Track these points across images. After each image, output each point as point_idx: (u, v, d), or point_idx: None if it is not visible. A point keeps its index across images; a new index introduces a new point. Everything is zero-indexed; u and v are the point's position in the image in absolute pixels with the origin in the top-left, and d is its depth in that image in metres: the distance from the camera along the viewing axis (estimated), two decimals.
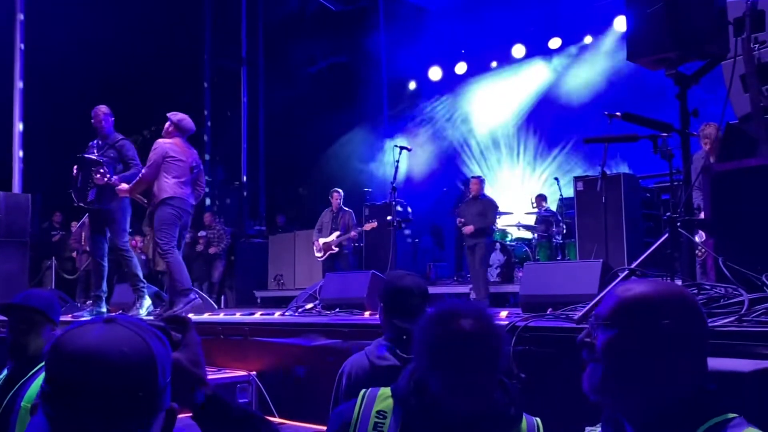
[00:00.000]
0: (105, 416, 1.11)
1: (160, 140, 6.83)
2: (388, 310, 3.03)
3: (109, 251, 7.37)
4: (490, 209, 9.75)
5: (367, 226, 10.43)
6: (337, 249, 10.50)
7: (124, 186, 6.89)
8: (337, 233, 10.46)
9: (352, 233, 10.41)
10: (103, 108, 7.40)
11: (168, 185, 6.67)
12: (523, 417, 1.88)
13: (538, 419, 1.91)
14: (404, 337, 2.93)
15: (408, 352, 2.82)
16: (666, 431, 1.36)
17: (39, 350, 2.73)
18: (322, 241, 10.57)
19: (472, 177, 10.34)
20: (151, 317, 6.46)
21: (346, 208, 10.75)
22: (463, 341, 1.76)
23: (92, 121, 7.35)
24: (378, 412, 1.91)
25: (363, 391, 1.99)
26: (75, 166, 7.19)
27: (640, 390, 1.39)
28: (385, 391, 1.95)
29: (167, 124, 6.94)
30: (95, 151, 7.23)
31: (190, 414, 1.48)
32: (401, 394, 1.91)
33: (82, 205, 7.22)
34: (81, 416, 1.10)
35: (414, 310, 2.97)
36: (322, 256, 10.57)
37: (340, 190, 10.90)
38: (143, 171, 6.78)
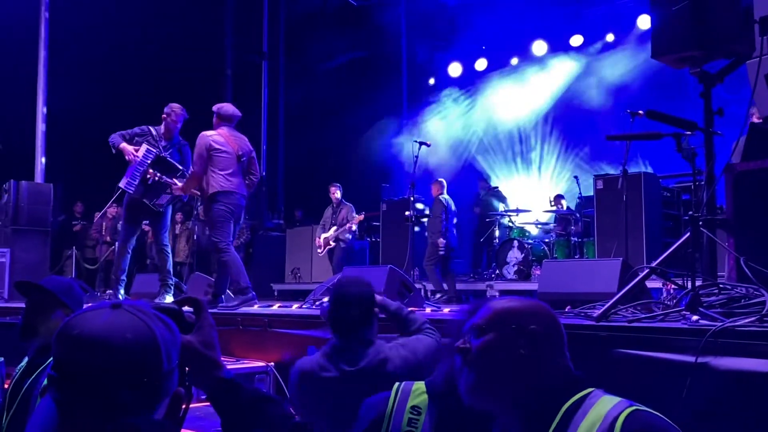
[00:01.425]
0: (109, 400, 1.13)
1: (203, 132, 6.59)
2: (331, 320, 2.97)
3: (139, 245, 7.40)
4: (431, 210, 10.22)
5: (354, 221, 10.52)
6: (334, 243, 10.64)
7: (178, 184, 6.88)
8: (335, 228, 10.61)
9: (347, 225, 10.50)
10: (178, 107, 7.19)
11: (214, 179, 6.46)
12: None
13: None
14: (343, 350, 2.86)
15: (352, 365, 2.82)
16: (538, 416, 1.55)
17: (50, 334, 2.75)
18: (323, 236, 10.75)
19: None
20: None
21: (347, 203, 10.81)
22: None
23: (164, 116, 7.14)
24: (412, 407, 1.92)
25: (397, 384, 2.01)
26: (134, 154, 6.96)
27: (512, 385, 1.58)
28: (420, 386, 1.98)
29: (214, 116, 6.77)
30: (161, 148, 7.10)
31: (208, 404, 1.50)
32: (436, 392, 1.92)
33: (145, 201, 7.01)
34: (85, 400, 1.13)
35: (353, 322, 2.89)
36: (322, 252, 10.76)
37: (338, 184, 10.91)
38: (192, 168, 6.65)
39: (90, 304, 1.37)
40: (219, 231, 6.48)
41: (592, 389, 1.58)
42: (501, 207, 11.97)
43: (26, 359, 2.83)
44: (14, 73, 12.67)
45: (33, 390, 2.65)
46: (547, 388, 1.57)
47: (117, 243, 7.60)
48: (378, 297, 3.11)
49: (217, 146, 6.49)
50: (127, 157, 6.97)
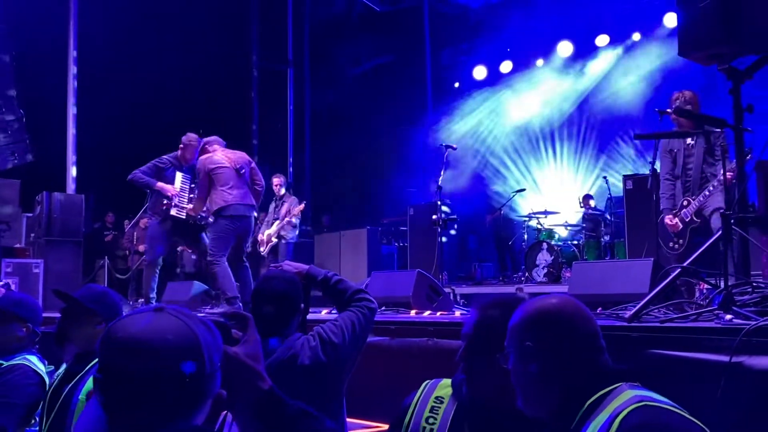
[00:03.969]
0: (153, 402, 1.16)
1: (200, 158, 7.07)
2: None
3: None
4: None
5: (296, 211, 9.77)
6: (276, 240, 9.84)
7: (189, 206, 7.25)
8: (278, 223, 9.83)
9: (286, 220, 9.71)
10: (195, 138, 7.51)
11: (217, 195, 6.83)
12: None
13: None
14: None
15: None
16: (564, 415, 1.60)
17: (82, 341, 2.78)
18: (266, 233, 9.92)
19: None
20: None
21: (291, 195, 10.03)
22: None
23: (183, 147, 7.47)
24: (436, 397, 2.03)
25: (426, 381, 2.11)
26: (173, 190, 7.31)
27: (542, 394, 1.64)
28: (446, 381, 2.08)
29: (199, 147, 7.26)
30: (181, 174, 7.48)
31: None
32: (455, 384, 2.02)
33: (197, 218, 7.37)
34: (130, 402, 1.16)
35: (266, 319, 2.65)
36: (264, 250, 9.96)
37: (280, 175, 10.15)
38: (196, 191, 7.08)
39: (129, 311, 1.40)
40: (216, 243, 6.81)
41: (620, 384, 1.60)
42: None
43: (64, 366, 2.88)
44: (45, 85, 12.90)
45: (71, 397, 2.69)
46: (572, 388, 1.61)
47: (147, 262, 7.67)
48: (305, 267, 2.98)
49: (214, 165, 6.87)
50: (169, 194, 7.26)
